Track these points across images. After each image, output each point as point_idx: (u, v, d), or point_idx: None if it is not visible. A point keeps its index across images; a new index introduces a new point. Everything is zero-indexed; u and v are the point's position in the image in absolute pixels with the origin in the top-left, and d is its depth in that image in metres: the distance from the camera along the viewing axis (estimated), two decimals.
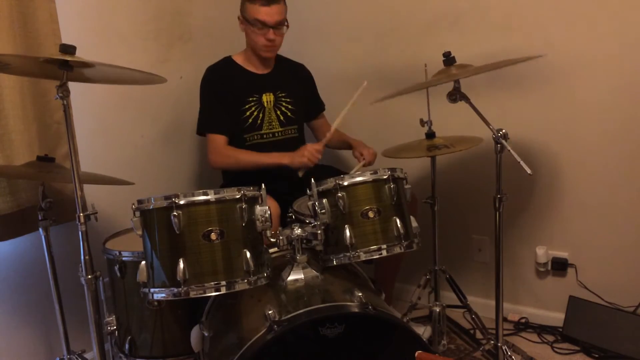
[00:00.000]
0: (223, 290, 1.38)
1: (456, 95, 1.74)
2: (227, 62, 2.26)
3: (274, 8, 2.08)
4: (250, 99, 2.21)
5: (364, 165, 2.15)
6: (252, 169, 2.12)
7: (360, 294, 1.41)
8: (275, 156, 2.10)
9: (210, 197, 1.39)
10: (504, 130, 1.64)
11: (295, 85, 2.34)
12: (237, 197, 1.41)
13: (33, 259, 1.91)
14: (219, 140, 2.17)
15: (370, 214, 1.50)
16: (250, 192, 1.44)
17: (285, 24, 2.15)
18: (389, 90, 1.92)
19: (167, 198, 1.37)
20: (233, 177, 2.31)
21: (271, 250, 1.61)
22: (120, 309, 1.81)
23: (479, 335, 2.26)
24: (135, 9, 2.28)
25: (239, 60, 2.27)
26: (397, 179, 1.55)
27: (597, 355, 2.09)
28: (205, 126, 2.21)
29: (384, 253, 1.50)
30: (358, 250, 1.49)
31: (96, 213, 1.53)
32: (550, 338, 2.24)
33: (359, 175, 1.52)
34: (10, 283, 1.92)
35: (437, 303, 2.09)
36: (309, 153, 2.03)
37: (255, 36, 2.13)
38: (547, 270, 2.32)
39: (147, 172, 2.35)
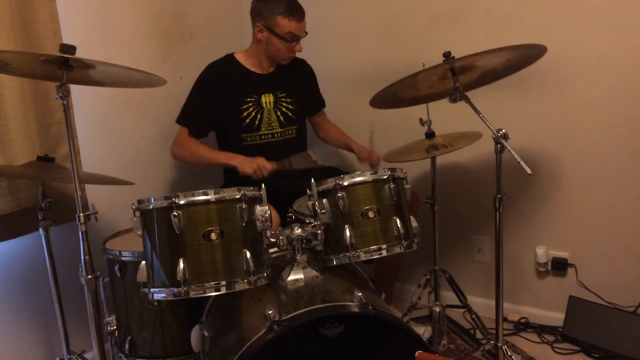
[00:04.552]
0: (223, 290, 1.38)
1: (456, 95, 1.74)
2: (229, 60, 2.26)
3: (304, 22, 2.16)
4: (248, 99, 2.21)
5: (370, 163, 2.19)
6: (206, 165, 2.19)
7: (360, 294, 1.41)
8: (229, 156, 2.13)
9: (210, 197, 1.39)
10: (504, 130, 1.64)
11: (296, 83, 2.34)
12: (237, 197, 1.41)
13: (33, 259, 1.91)
14: (185, 133, 2.21)
15: (370, 214, 1.50)
16: (250, 192, 1.44)
17: (306, 32, 2.22)
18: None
19: (167, 198, 1.37)
20: (234, 177, 2.32)
21: (271, 250, 1.61)
22: (120, 309, 1.81)
23: (479, 335, 2.26)
24: (136, 9, 2.28)
25: (241, 59, 2.27)
26: (397, 179, 1.55)
27: (597, 355, 2.09)
28: (180, 117, 2.24)
29: (384, 253, 1.50)
30: (358, 250, 1.49)
31: (96, 213, 1.53)
32: (550, 338, 2.24)
33: (359, 175, 1.52)
34: (10, 283, 1.92)
35: (437, 303, 2.08)
36: (257, 167, 2.02)
37: (282, 47, 2.17)
38: (547, 270, 2.32)
39: (147, 172, 2.35)
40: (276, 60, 2.25)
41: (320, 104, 2.48)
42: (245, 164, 2.04)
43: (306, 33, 2.20)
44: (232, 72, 2.24)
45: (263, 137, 2.24)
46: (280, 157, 2.26)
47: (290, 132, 2.29)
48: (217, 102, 2.19)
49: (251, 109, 2.21)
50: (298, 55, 2.38)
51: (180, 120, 2.23)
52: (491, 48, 1.99)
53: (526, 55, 1.82)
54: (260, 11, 2.16)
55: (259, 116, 2.22)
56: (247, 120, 2.21)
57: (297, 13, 2.13)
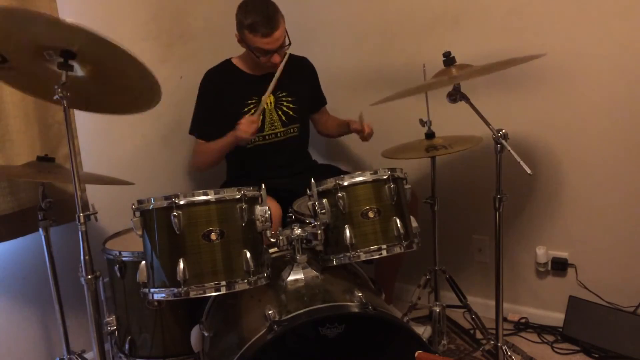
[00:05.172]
0: (223, 291, 1.38)
1: (456, 95, 1.74)
2: (226, 65, 2.27)
3: (275, 35, 2.04)
4: (249, 101, 2.21)
5: (362, 135, 2.16)
6: (219, 156, 2.20)
7: (360, 294, 1.41)
8: (228, 136, 2.11)
9: (210, 197, 1.39)
10: (504, 130, 1.64)
11: (297, 81, 2.32)
12: (237, 197, 1.41)
13: (33, 259, 1.91)
14: (199, 144, 2.25)
15: (370, 214, 1.50)
16: (250, 192, 1.44)
17: (287, 43, 2.12)
18: (389, 89, 1.92)
19: (167, 198, 1.37)
20: (235, 177, 2.32)
21: (271, 250, 1.61)
22: (120, 309, 1.81)
23: (479, 335, 2.26)
24: (136, 9, 2.28)
25: (238, 63, 2.27)
26: (397, 179, 1.55)
27: (597, 355, 2.09)
28: (193, 129, 2.26)
29: (384, 253, 1.50)
30: (358, 250, 1.49)
31: (96, 213, 1.53)
32: (550, 338, 2.24)
33: (359, 175, 1.52)
34: (10, 283, 1.92)
35: (437, 303, 2.08)
36: (243, 125, 2.01)
37: (257, 59, 2.12)
38: (547, 270, 2.32)
39: (147, 172, 2.35)
40: (263, 68, 2.19)
41: (322, 101, 2.48)
42: (237, 134, 2.03)
43: (289, 43, 2.12)
44: (231, 76, 2.24)
45: (267, 137, 2.24)
46: (284, 156, 2.27)
47: (293, 131, 2.29)
48: (220, 107, 2.19)
49: (253, 111, 2.21)
50: (299, 52, 2.38)
51: (193, 131, 2.26)
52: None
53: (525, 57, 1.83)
54: (236, 22, 2.11)
55: (261, 117, 2.22)
56: None
57: (263, 28, 2.01)
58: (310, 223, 1.56)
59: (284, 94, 2.27)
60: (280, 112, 2.26)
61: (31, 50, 1.41)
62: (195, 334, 1.68)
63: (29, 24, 1.37)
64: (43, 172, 1.72)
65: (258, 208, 1.45)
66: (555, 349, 2.16)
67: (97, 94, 1.67)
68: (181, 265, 1.35)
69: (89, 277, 1.51)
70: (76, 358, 1.85)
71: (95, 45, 1.39)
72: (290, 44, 2.13)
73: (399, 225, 1.50)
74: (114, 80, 1.59)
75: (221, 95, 2.20)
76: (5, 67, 1.51)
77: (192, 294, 1.36)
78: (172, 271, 1.36)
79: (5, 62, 1.48)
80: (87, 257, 1.51)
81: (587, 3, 2.06)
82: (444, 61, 1.79)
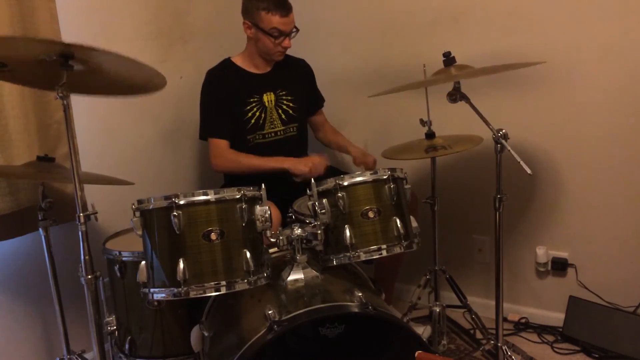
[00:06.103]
0: (223, 290, 1.38)
1: (456, 95, 1.74)
2: (226, 64, 2.27)
3: (291, 16, 2.14)
4: (251, 99, 2.22)
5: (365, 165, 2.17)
6: (254, 172, 2.12)
7: (360, 294, 1.41)
8: (277, 160, 2.10)
9: (210, 197, 1.39)
10: (504, 130, 1.64)
11: (296, 81, 2.34)
12: (237, 197, 1.41)
13: (33, 259, 1.91)
14: (221, 144, 2.18)
15: (370, 214, 1.50)
16: (250, 192, 1.44)
17: (296, 29, 2.19)
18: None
19: (167, 198, 1.37)
20: (234, 177, 2.32)
21: (271, 250, 1.61)
22: (120, 309, 1.81)
23: (479, 335, 2.26)
24: (136, 9, 2.28)
25: (238, 61, 2.27)
26: (397, 179, 1.55)
27: (597, 355, 2.09)
28: (206, 131, 2.22)
29: (384, 253, 1.50)
30: (358, 250, 1.49)
31: (96, 213, 1.53)
32: (550, 338, 2.24)
33: (359, 175, 1.52)
34: (10, 283, 1.92)
35: (437, 303, 2.08)
36: (313, 165, 2.03)
37: (269, 43, 2.15)
38: (547, 270, 2.32)
39: (147, 172, 2.35)
40: (268, 58, 2.24)
41: (320, 102, 2.48)
42: (299, 164, 2.04)
43: (297, 29, 2.18)
44: (232, 75, 2.24)
45: (267, 135, 2.25)
46: (283, 155, 2.26)
47: (292, 130, 2.30)
48: (226, 106, 2.20)
49: (255, 109, 2.22)
50: (296, 54, 2.38)
51: (210, 133, 2.19)
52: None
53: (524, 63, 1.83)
54: (246, 8, 2.17)
55: (263, 115, 2.23)
56: (253, 120, 2.21)
57: (281, 8, 2.10)
58: (310, 223, 1.56)
59: (284, 92, 2.28)
60: (280, 111, 2.26)
61: (31, 56, 1.42)
62: (195, 334, 1.68)
63: (28, 45, 1.41)
64: (43, 172, 1.72)
65: (258, 208, 1.45)
66: (555, 349, 2.16)
67: (100, 82, 1.67)
68: (181, 265, 1.35)
69: (89, 277, 1.52)
70: (76, 358, 1.85)
71: (95, 53, 1.42)
72: (298, 30, 2.19)
73: (399, 225, 1.50)
74: (116, 74, 1.59)
75: (225, 94, 2.20)
76: (4, 71, 1.51)
77: (192, 294, 1.36)
78: (172, 271, 1.36)
79: (5, 67, 1.49)
80: (87, 257, 1.51)
81: (588, 4, 2.06)
82: (444, 61, 1.79)
